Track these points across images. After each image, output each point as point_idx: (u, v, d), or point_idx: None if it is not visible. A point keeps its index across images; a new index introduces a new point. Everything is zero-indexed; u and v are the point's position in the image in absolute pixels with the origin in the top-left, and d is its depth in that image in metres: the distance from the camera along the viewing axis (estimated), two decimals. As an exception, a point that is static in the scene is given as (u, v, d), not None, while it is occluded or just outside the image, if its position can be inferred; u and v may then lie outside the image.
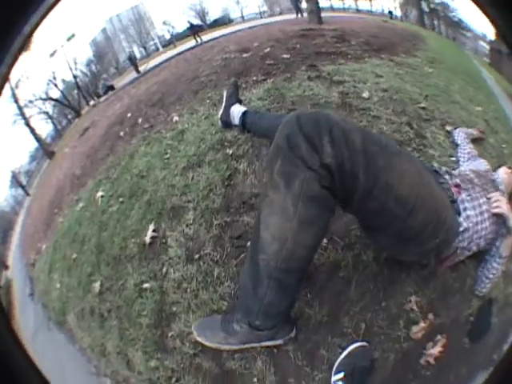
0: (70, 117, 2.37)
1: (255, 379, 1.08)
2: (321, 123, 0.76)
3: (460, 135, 1.86)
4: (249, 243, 1.19)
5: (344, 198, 0.83)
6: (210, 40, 2.89)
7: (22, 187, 1.93)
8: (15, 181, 1.91)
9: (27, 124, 1.96)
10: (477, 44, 4.05)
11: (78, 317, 1.44)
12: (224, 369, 1.12)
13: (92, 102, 2.54)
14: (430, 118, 1.98)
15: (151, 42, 2.61)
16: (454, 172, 1.30)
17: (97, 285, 1.45)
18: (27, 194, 1.96)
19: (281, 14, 3.14)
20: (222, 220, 1.40)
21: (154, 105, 2.47)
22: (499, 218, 1.14)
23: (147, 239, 1.44)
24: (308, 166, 0.75)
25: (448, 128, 1.96)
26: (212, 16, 2.80)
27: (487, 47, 4.02)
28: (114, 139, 2.36)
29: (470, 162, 1.70)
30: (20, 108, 1.92)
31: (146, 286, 1.34)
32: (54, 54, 2.09)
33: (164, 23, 2.58)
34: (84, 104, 2.48)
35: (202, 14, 2.75)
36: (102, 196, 1.94)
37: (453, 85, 2.51)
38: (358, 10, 3.70)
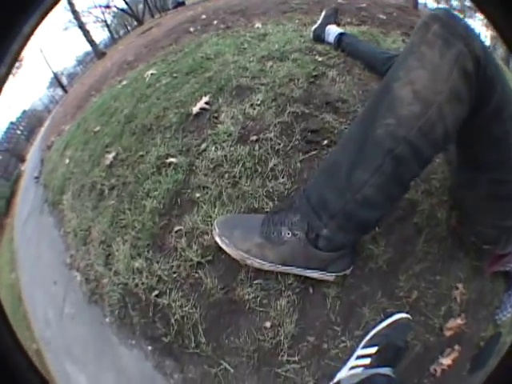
0: (129, 28, 2.30)
1: (268, 323, 0.81)
2: (470, 28, 0.67)
3: None
4: (326, 142, 1.05)
5: (474, 109, 0.69)
6: None
7: (62, 87, 1.89)
8: (56, 81, 1.85)
9: (81, 27, 1.90)
10: None
11: (75, 195, 1.29)
12: (230, 296, 0.84)
13: (157, 16, 2.46)
14: None
15: None
16: None
17: (110, 156, 1.28)
18: (65, 91, 1.91)
19: None
20: (299, 109, 1.21)
21: (235, 13, 2.35)
22: None
23: (195, 109, 1.24)
24: (466, 43, 0.64)
25: None
26: None
27: None
28: (182, 33, 2.21)
29: None
30: (75, 12, 1.86)
31: (171, 160, 1.11)
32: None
33: None
34: (147, 16, 2.41)
35: None
36: (152, 74, 1.76)
37: None
38: None
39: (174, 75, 1.68)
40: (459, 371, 0.91)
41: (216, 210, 0.96)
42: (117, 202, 1.14)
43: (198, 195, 1.02)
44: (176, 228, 0.97)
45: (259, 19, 2.02)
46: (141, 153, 1.21)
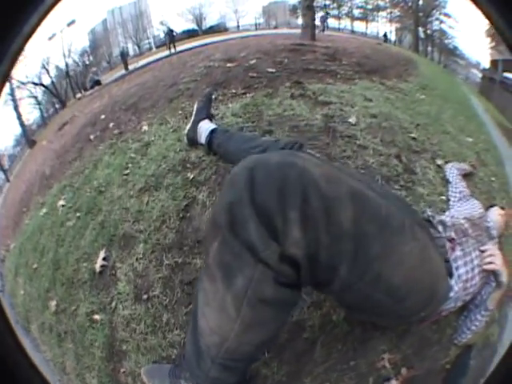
0: (57, 106, 2.30)
1: None
2: (289, 185, 0.48)
3: (452, 171, 1.63)
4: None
5: (315, 286, 0.65)
6: (198, 46, 2.76)
7: (4, 171, 1.88)
8: (-1, 163, 1.75)
9: (16, 107, 1.88)
10: (468, 72, 3.95)
11: (40, 329, 1.34)
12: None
13: (78, 95, 2.45)
14: (421, 150, 1.75)
15: (146, 41, 2.55)
16: (447, 221, 1.19)
17: (53, 303, 1.35)
18: (8, 179, 1.91)
19: (276, 27, 3.01)
20: (173, 260, 1.24)
21: (128, 109, 2.32)
22: (490, 273, 1.06)
23: (97, 267, 1.32)
24: (259, 259, 0.50)
25: (439, 162, 1.72)
26: (209, 22, 2.73)
27: (479, 75, 3.98)
28: (84, 142, 2.24)
29: (462, 204, 1.48)
30: (12, 89, 1.84)
31: (96, 317, 1.22)
32: (52, 37, 1.99)
33: (161, 23, 2.50)
34: (71, 95, 2.41)
35: (199, 19, 2.65)
36: (63, 205, 1.81)
37: (444, 113, 2.31)
38: (352, 31, 3.63)
39: (77, 214, 1.69)
40: None
41: (141, 357, 1.10)
42: (73, 346, 1.22)
43: (124, 347, 1.13)
44: (121, 370, 1.11)
45: (147, 117, 2.01)
46: (73, 307, 1.27)
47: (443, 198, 1.56)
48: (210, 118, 1.41)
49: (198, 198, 1.33)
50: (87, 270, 1.35)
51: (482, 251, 1.07)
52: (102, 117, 2.37)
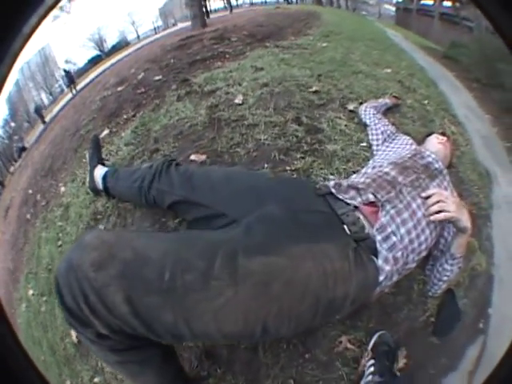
0: None
1: None
2: (73, 288, 0.56)
3: (368, 111, 1.35)
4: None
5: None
6: (97, 76, 2.64)
7: None
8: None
9: None
10: (380, 9, 3.89)
11: None
12: None
13: (11, 168, 2.38)
14: (326, 102, 1.48)
15: (56, 85, 2.50)
16: (359, 182, 0.92)
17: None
18: None
19: (175, 24, 2.93)
20: None
21: (47, 174, 2.17)
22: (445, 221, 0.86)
23: (74, 339, 1.26)
24: (87, 338, 0.63)
25: (351, 107, 1.45)
26: (110, 43, 2.65)
27: (392, 9, 3.86)
28: (25, 223, 2.11)
29: (388, 145, 1.20)
30: None
31: (95, 380, 1.17)
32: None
33: (66, 61, 2.45)
34: (5, 172, 2.35)
35: (100, 43, 2.59)
36: (32, 294, 1.69)
37: (353, 53, 2.06)
38: (251, 3, 3.41)
39: (44, 299, 1.58)
40: (425, 350, 0.99)
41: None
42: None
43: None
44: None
45: (62, 177, 1.89)
46: (79, 378, 1.21)
47: (364, 144, 1.28)
48: (102, 162, 1.29)
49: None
50: (71, 344, 1.29)
51: (426, 198, 0.85)
52: (30, 191, 2.23)
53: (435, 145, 1.18)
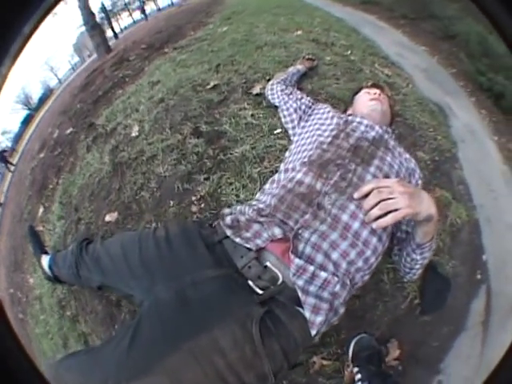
0: None
1: None
2: None
3: (275, 90, 1.07)
4: None
5: None
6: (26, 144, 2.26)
7: None
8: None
9: None
10: None
11: None
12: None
13: None
14: (227, 95, 1.23)
15: None
16: (268, 203, 0.70)
17: None
18: None
19: (90, 55, 2.59)
20: None
21: (16, 268, 1.94)
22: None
23: None
24: None
25: (257, 89, 1.18)
26: (36, 97, 2.38)
27: None
28: (21, 323, 1.85)
29: (304, 127, 0.91)
30: None
31: None
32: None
33: (3, 133, 2.20)
34: None
35: (27, 101, 2.33)
36: None
37: (258, 27, 1.78)
38: (159, 9, 3.11)
39: None
40: (420, 329, 0.92)
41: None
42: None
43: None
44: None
45: (27, 269, 1.73)
46: None
47: (278, 131, 1.02)
48: (45, 251, 1.14)
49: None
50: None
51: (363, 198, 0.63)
52: (11, 290, 1.96)
53: (366, 103, 0.92)
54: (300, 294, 0.56)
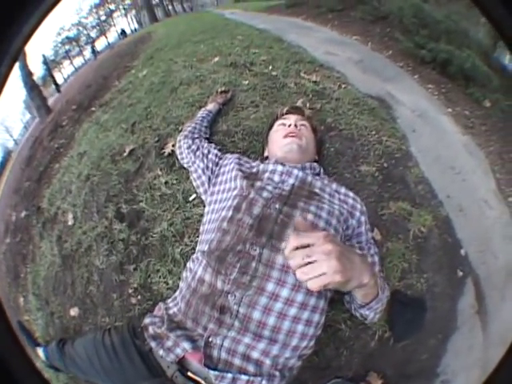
0: None
1: None
2: None
3: (181, 148, 0.90)
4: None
5: None
6: None
7: None
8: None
9: None
10: None
11: None
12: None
13: None
14: (143, 160, 1.08)
15: None
16: (178, 308, 0.64)
17: None
18: None
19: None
20: None
21: None
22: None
23: None
24: None
25: (169, 149, 1.04)
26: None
27: None
28: None
29: (213, 194, 0.76)
30: None
31: None
32: None
33: None
34: None
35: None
36: None
37: (176, 62, 1.65)
38: (95, 55, 2.97)
39: None
40: (399, 354, 0.84)
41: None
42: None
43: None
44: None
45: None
46: None
47: (193, 197, 0.89)
48: (38, 343, 1.08)
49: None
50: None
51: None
52: None
53: (280, 143, 0.78)
54: None
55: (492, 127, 1.65)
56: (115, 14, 3.29)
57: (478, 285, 1.03)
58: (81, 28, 2.96)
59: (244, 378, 0.53)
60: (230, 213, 0.63)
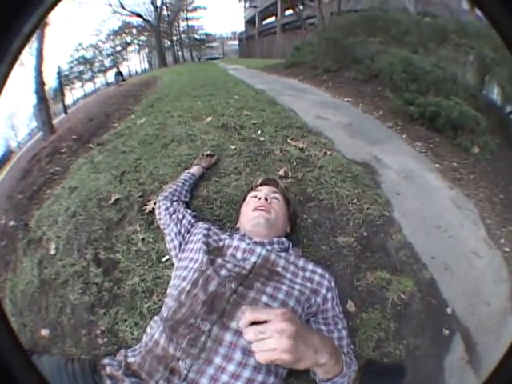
0: None
1: None
2: None
3: (160, 210, 0.95)
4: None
5: None
6: None
7: None
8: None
9: None
10: (225, 47, 3.72)
11: None
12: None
13: None
14: (125, 212, 1.14)
15: None
16: (135, 360, 0.67)
17: None
18: None
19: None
20: None
21: None
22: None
23: None
24: None
25: (150, 206, 1.10)
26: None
27: (236, 43, 3.74)
28: None
29: (180, 260, 0.81)
30: None
31: None
32: None
33: None
34: None
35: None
36: None
37: (173, 116, 1.77)
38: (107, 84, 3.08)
39: None
40: None
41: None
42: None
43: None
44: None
45: None
46: None
47: (166, 258, 0.93)
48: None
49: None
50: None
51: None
52: None
53: (249, 216, 0.82)
54: None
55: (481, 173, 1.71)
56: (130, 48, 3.56)
57: (467, 337, 1.03)
58: (97, 52, 3.15)
59: None
60: (188, 286, 0.67)
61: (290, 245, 0.84)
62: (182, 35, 3.83)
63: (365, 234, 1.14)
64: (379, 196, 1.34)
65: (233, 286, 0.65)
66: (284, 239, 0.83)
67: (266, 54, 3.29)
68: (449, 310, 1.06)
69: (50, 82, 2.39)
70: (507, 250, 1.32)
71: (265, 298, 0.64)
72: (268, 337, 0.44)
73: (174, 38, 3.85)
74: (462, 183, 1.63)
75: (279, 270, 0.71)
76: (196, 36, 3.79)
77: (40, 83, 2.24)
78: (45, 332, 1.06)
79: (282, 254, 0.76)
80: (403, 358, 0.91)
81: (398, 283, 1.03)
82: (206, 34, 3.73)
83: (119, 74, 2.95)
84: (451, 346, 0.99)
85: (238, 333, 0.59)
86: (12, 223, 1.65)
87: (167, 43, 3.82)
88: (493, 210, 1.50)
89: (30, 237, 1.37)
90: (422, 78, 1.99)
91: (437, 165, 1.72)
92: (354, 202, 1.24)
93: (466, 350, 1.00)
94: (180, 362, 0.59)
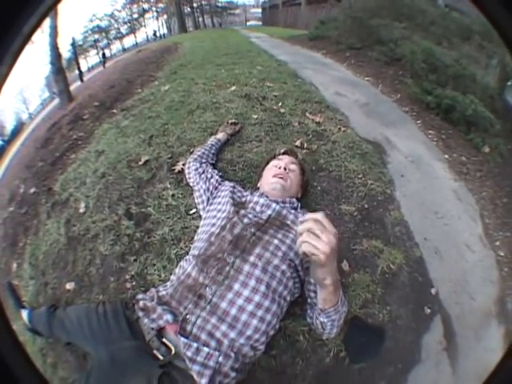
0: None
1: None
2: None
3: (189, 169, 1.16)
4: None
5: None
6: None
7: None
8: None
9: None
10: (247, 14, 3.80)
11: None
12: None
13: None
14: (155, 172, 1.32)
15: None
16: (167, 291, 0.86)
17: None
18: None
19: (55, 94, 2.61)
20: None
21: None
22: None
23: None
24: None
25: (179, 166, 1.29)
26: (9, 128, 2.45)
27: (259, 11, 3.77)
28: None
29: (208, 211, 1.01)
30: None
31: None
32: None
33: None
34: None
35: (1, 131, 2.39)
36: None
37: (197, 83, 1.89)
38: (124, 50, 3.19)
39: None
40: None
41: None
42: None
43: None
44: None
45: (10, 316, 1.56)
46: None
47: (193, 211, 1.12)
48: (23, 306, 1.20)
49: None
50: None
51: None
52: None
53: (269, 181, 1.02)
54: (187, 362, 0.72)
55: (488, 173, 1.79)
56: (147, 15, 3.60)
57: (448, 323, 1.14)
58: (113, 20, 3.21)
59: (206, 350, 0.72)
60: (218, 230, 0.88)
61: (299, 205, 1.03)
62: (203, 1, 3.81)
63: (366, 206, 1.30)
64: (383, 174, 1.48)
65: (252, 230, 0.85)
66: (294, 199, 1.02)
67: (290, 24, 3.28)
68: (433, 291, 1.18)
69: (64, 53, 2.46)
70: (501, 254, 1.42)
71: (276, 241, 0.84)
72: (319, 237, 0.61)
73: (195, 4, 3.83)
74: (468, 178, 1.72)
75: (288, 222, 0.90)
76: (218, 3, 3.77)
77: (56, 55, 2.30)
78: (69, 286, 1.20)
79: (292, 211, 0.95)
80: (385, 323, 1.04)
81: (389, 254, 1.18)
82: (228, 2, 3.77)
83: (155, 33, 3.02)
84: (431, 326, 1.11)
85: (254, 265, 0.79)
86: (33, 190, 1.81)
87: (187, 9, 3.83)
88: (493, 212, 1.60)
89: (54, 200, 1.56)
90: (441, 70, 2.05)
91: (446, 155, 1.82)
92: (360, 176, 1.39)
93: (444, 336, 1.10)
94: (207, 288, 0.78)
